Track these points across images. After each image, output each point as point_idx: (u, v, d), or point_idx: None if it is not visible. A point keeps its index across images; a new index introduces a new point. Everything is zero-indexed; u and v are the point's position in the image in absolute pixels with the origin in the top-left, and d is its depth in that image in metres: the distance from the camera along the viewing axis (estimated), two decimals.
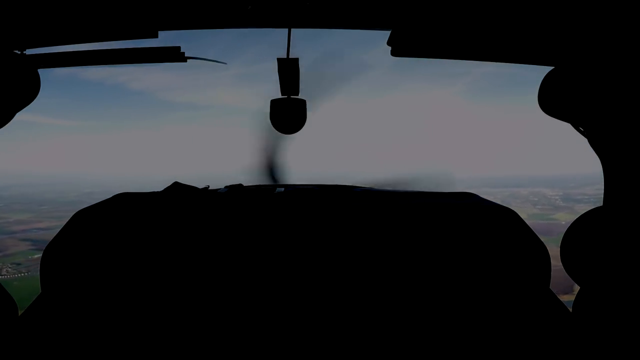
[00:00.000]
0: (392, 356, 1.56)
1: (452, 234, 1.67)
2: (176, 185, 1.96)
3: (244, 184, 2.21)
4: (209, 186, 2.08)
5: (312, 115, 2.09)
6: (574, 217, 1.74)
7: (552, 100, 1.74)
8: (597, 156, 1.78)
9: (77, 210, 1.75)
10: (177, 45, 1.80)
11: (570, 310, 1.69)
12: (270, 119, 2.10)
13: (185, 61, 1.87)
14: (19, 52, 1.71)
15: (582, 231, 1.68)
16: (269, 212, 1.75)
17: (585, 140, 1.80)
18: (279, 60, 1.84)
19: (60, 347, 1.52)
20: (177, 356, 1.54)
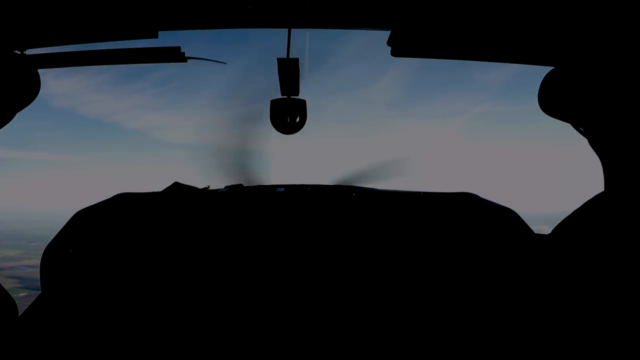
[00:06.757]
0: (392, 356, 1.52)
1: (452, 234, 1.67)
2: (176, 185, 1.95)
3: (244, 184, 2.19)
4: (209, 186, 2.07)
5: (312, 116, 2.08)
6: None
7: (552, 100, 1.74)
8: (597, 156, 1.77)
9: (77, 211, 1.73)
10: (177, 45, 1.81)
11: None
12: (271, 119, 2.10)
13: (186, 61, 1.87)
14: (19, 52, 1.70)
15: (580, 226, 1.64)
16: (269, 212, 1.74)
17: (586, 141, 1.79)
18: (279, 60, 1.84)
19: (60, 347, 1.51)
20: (177, 356, 1.52)
